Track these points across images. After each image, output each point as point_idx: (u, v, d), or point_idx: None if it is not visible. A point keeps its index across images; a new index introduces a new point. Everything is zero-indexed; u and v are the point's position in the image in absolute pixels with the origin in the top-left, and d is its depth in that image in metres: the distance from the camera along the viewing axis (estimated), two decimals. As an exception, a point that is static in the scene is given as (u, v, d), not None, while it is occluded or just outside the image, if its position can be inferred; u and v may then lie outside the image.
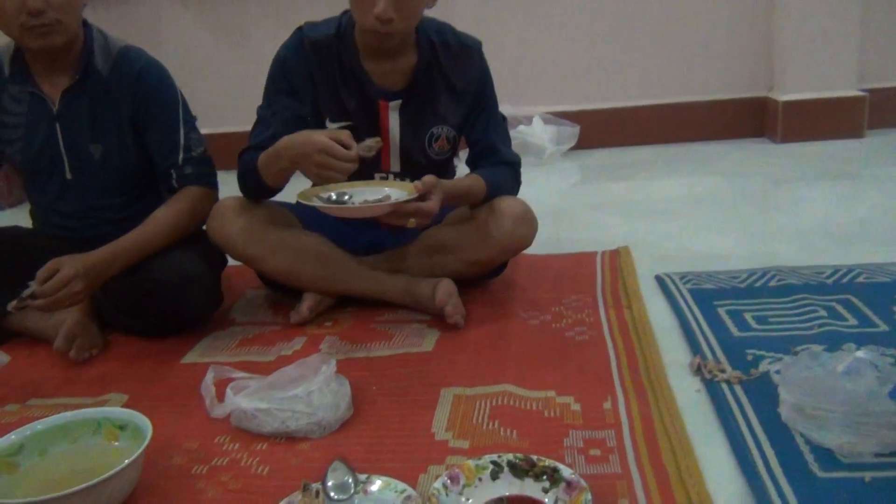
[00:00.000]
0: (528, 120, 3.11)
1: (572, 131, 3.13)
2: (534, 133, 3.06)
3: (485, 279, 1.78)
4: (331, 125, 1.61)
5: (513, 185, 1.71)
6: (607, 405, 1.23)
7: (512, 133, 3.05)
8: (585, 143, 3.17)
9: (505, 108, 3.09)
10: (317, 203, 1.47)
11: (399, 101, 1.62)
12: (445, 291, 1.58)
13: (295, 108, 1.59)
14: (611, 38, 3.19)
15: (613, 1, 3.15)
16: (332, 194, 1.51)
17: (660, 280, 1.75)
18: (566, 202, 2.54)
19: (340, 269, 1.65)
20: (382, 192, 1.51)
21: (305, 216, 1.73)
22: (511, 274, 1.82)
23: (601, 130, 3.22)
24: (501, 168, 1.69)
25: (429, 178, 1.47)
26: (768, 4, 3.09)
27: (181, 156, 1.63)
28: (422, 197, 1.45)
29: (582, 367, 1.37)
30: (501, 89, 3.10)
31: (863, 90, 3.07)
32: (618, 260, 1.90)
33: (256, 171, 1.53)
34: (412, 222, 1.45)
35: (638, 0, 3.14)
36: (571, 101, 3.25)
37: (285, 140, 1.45)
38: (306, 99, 1.60)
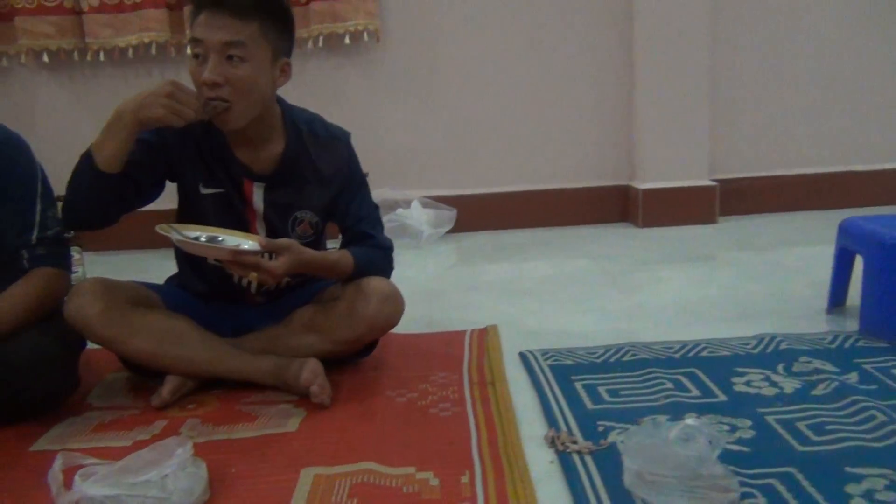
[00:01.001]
0: (407, 204, 3.21)
1: (449, 215, 3.23)
2: (412, 216, 3.15)
3: (354, 358, 1.80)
4: (204, 190, 1.65)
5: (384, 267, 1.76)
6: (465, 479, 1.26)
7: (390, 216, 3.15)
8: (463, 226, 3.28)
9: (384, 192, 3.22)
10: (173, 235, 1.50)
11: (264, 184, 1.66)
12: (311, 371, 1.58)
13: (145, 158, 1.59)
14: (488, 127, 3.37)
15: (491, 93, 3.33)
16: (189, 233, 1.54)
17: (523, 357, 1.82)
18: (441, 283, 2.61)
19: (204, 350, 1.63)
20: (237, 241, 1.55)
21: (169, 298, 1.71)
22: (381, 353, 1.85)
23: (478, 214, 3.34)
24: (374, 251, 1.74)
25: (282, 241, 1.53)
26: (629, 102, 3.35)
27: (35, 235, 1.59)
28: (272, 255, 1.50)
29: (443, 443, 1.39)
30: (382, 174, 3.23)
31: (714, 180, 3.34)
32: (485, 338, 1.97)
33: (87, 156, 1.49)
34: (254, 276, 1.49)
35: (514, 94, 3.34)
36: (449, 186, 3.37)
37: (125, 100, 1.47)
38: (166, 158, 1.63)
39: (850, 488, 1.19)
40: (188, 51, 1.59)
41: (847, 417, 1.42)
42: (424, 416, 1.52)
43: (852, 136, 3.45)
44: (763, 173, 3.45)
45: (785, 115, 3.42)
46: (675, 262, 2.74)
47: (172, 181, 1.70)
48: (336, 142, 1.74)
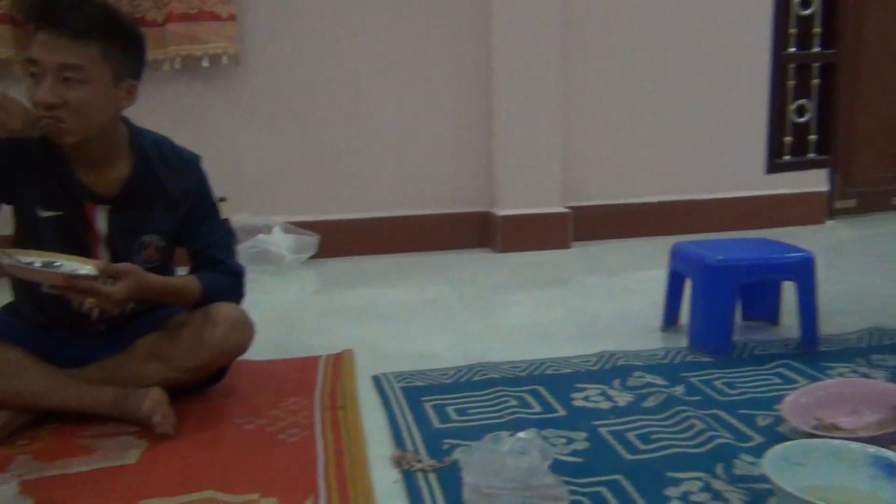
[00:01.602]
0: (269, 229, 3.17)
1: (311, 241, 3.22)
2: (273, 242, 3.12)
3: (203, 386, 1.76)
4: (42, 213, 1.58)
5: (234, 293, 1.74)
6: (308, 503, 1.26)
7: (250, 242, 3.11)
8: (325, 252, 3.28)
9: (244, 218, 3.17)
10: (4, 260, 1.44)
11: (108, 207, 1.61)
12: (154, 401, 1.54)
13: None
14: (351, 153, 3.39)
15: (354, 119, 3.36)
16: (23, 258, 1.47)
17: (377, 380, 1.85)
18: (301, 309, 2.60)
19: (38, 381, 1.55)
20: (74, 266, 1.50)
21: (2, 328, 1.62)
22: (232, 380, 1.82)
23: (340, 240, 3.35)
24: (223, 276, 1.72)
25: (122, 265, 1.49)
26: (489, 131, 3.47)
27: None
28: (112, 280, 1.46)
29: (289, 468, 1.39)
30: (243, 199, 3.18)
31: (567, 207, 3.51)
32: (340, 363, 1.97)
33: None
34: (90, 301, 1.45)
35: (376, 120, 3.38)
36: (312, 212, 3.36)
37: None
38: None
39: (670, 491, 1.28)
40: (25, 69, 1.52)
41: (671, 427, 1.53)
42: (272, 442, 1.51)
43: (688, 169, 3.72)
44: (612, 201, 3.65)
45: (631, 148, 3.65)
46: (530, 286, 2.85)
47: (8, 203, 1.62)
48: (186, 164, 1.72)
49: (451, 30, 3.38)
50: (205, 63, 3.15)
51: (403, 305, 2.61)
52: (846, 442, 1.26)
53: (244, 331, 1.66)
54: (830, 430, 1.43)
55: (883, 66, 4.01)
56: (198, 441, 1.52)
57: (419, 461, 1.40)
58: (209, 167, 1.79)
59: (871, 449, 1.22)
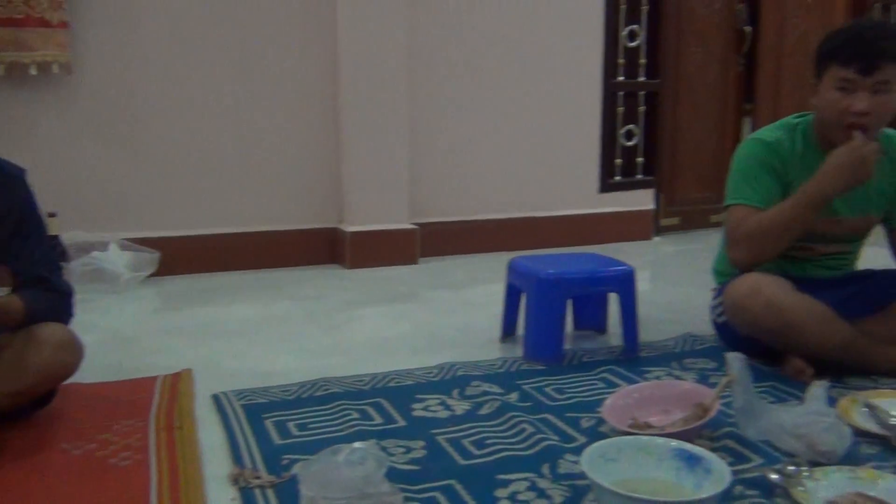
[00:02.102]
0: (104, 246, 3.03)
1: (151, 258, 3.11)
2: (109, 259, 2.98)
3: (28, 411, 1.66)
4: None
5: (61, 313, 1.67)
6: (140, 526, 1.24)
7: (85, 259, 2.96)
8: (166, 270, 3.17)
9: (77, 235, 3.02)
10: None
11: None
12: (-31, 428, 1.45)
13: None
14: (193, 167, 3.30)
15: (195, 132, 3.28)
16: None
17: (216, 398, 1.82)
18: (139, 329, 2.51)
19: None
20: None
21: None
22: (60, 404, 1.73)
23: (182, 257, 3.25)
24: (49, 295, 1.64)
25: None
26: (336, 147, 3.49)
27: None
28: None
29: (120, 494, 1.35)
30: (76, 215, 3.03)
31: (415, 224, 3.59)
32: (178, 383, 1.93)
33: None
34: None
35: (219, 134, 3.32)
36: (151, 228, 3.24)
37: None
38: None
39: (499, 492, 1.36)
40: None
41: (504, 432, 1.62)
42: (103, 467, 1.46)
43: (528, 188, 3.90)
44: (457, 218, 3.77)
45: (475, 167, 3.78)
46: (377, 301, 2.90)
47: None
48: (9, 179, 1.63)
49: (295, 42, 3.38)
50: (33, 71, 2.97)
51: (248, 323, 2.58)
52: (653, 438, 1.39)
53: (72, 352, 1.59)
54: (643, 428, 1.56)
55: (699, 96, 4.41)
56: (21, 470, 1.44)
57: (257, 478, 1.40)
58: (37, 181, 1.71)
59: (675, 443, 1.35)
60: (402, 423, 1.68)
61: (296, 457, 1.49)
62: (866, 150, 1.82)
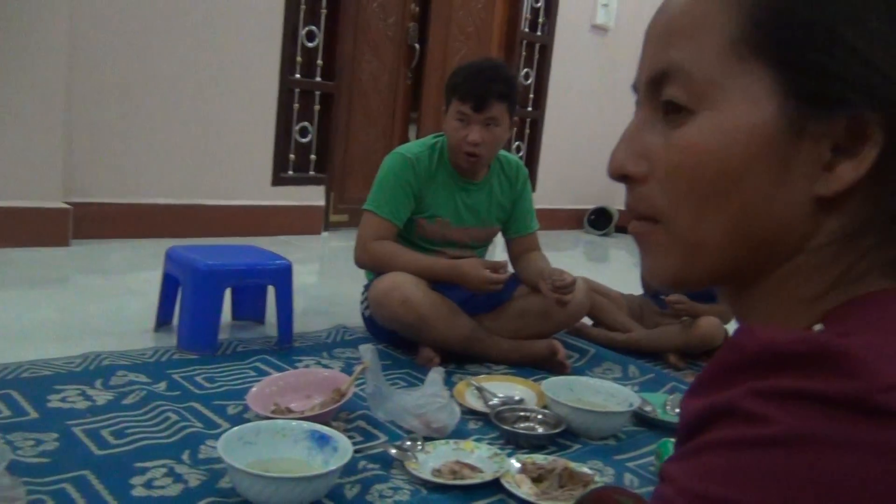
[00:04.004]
0: None
1: None
2: None
3: None
4: None
5: None
6: None
7: None
8: None
9: None
10: None
11: None
12: None
13: None
14: None
15: None
16: None
17: None
18: None
19: None
20: None
21: None
22: None
23: None
24: None
25: None
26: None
27: None
28: None
29: None
30: None
31: (69, 203, 3.34)
32: None
33: None
34: None
35: None
36: None
37: None
38: None
39: (135, 480, 1.38)
40: None
41: (148, 421, 1.63)
42: None
43: (199, 176, 3.84)
44: (120, 200, 3.58)
45: (143, 149, 3.62)
46: (18, 285, 2.66)
47: None
48: None
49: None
50: None
51: None
52: (289, 421, 1.52)
53: None
54: (285, 413, 1.68)
55: (371, 102, 4.71)
56: None
57: None
58: None
59: (307, 426, 1.49)
60: (34, 415, 1.60)
61: None
62: (481, 278, 2.12)
